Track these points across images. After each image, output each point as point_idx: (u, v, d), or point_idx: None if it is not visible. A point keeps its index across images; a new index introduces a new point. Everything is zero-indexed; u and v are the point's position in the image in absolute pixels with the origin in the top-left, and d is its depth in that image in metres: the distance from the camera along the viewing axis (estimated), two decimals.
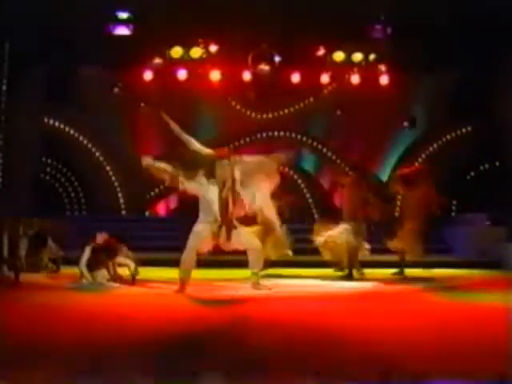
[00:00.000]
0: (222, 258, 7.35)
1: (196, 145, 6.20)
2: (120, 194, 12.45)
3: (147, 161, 6.18)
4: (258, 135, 12.97)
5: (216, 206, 6.06)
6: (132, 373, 2.83)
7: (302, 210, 8.30)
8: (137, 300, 5.60)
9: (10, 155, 10.53)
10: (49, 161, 12.11)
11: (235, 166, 6.11)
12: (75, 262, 6.90)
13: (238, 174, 6.10)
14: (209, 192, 6.08)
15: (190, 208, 12.12)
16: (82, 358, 3.17)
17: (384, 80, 12.00)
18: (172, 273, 6.81)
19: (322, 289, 6.60)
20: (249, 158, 6.33)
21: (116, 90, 11.56)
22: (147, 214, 12.79)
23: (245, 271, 6.59)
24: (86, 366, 2.98)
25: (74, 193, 12.41)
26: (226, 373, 2.85)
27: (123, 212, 12.42)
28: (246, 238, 6.19)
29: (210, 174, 6.11)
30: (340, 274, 7.49)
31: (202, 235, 6.10)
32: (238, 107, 12.73)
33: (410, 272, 7.61)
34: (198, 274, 6.40)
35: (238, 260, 6.77)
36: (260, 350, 3.43)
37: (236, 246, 6.20)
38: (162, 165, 6.15)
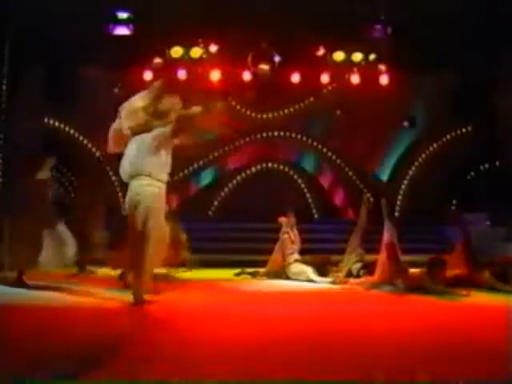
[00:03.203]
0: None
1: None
2: (120, 194, 12.44)
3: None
4: (258, 135, 12.97)
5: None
6: None
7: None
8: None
9: (9, 155, 10.52)
10: None
11: None
12: (75, 262, 6.90)
13: None
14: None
15: (190, 208, 12.15)
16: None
17: (384, 80, 12.00)
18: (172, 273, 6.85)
19: (318, 291, 6.59)
20: None
21: (116, 89, 11.56)
22: None
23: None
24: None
25: (74, 193, 12.40)
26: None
27: (123, 212, 12.40)
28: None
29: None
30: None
31: None
32: (238, 107, 12.74)
33: None
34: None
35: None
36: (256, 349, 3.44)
37: None
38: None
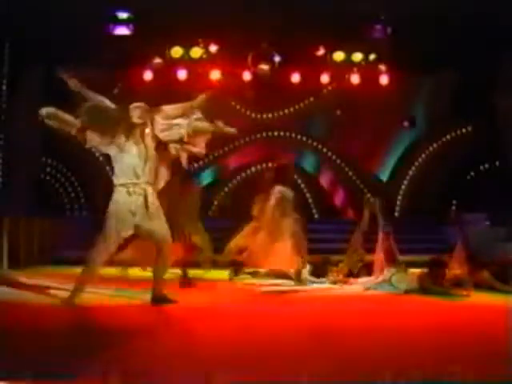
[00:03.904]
0: None
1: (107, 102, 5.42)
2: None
3: (49, 109, 5.51)
4: (258, 135, 12.97)
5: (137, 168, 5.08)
6: None
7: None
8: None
9: (9, 155, 10.52)
10: (49, 161, 12.10)
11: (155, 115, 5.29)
12: (75, 262, 6.88)
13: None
14: (129, 151, 5.10)
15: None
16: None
17: (384, 80, 12.00)
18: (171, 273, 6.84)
19: (318, 291, 6.59)
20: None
21: (116, 90, 11.55)
22: None
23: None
24: None
25: (73, 193, 12.41)
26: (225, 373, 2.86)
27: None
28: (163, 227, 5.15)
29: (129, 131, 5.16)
30: None
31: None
32: (238, 107, 12.73)
33: None
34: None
35: None
36: (259, 349, 3.44)
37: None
38: (67, 116, 5.44)
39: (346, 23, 10.13)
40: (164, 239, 5.11)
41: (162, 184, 5.44)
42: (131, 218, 5.01)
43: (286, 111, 13.00)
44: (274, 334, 3.91)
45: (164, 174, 5.48)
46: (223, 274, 7.56)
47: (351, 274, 7.22)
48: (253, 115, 12.94)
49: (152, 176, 5.18)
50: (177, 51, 11.46)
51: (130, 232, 5.07)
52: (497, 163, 12.06)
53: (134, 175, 5.06)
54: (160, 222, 5.13)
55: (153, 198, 5.12)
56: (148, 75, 11.68)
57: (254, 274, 7.77)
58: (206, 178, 12.96)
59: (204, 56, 11.47)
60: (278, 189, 6.97)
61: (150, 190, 5.10)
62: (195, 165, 12.82)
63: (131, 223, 5.03)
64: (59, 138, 12.42)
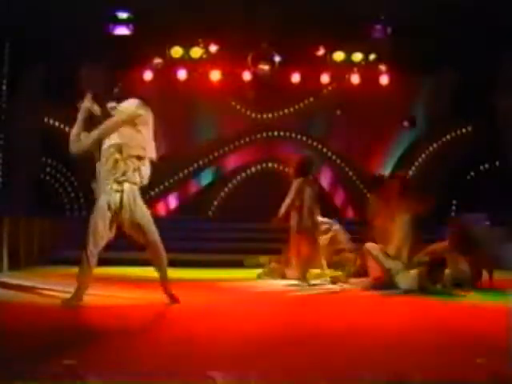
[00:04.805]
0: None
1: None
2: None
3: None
4: (258, 135, 12.97)
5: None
6: None
7: None
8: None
9: (9, 155, 10.52)
10: (49, 161, 12.09)
11: None
12: (75, 262, 6.89)
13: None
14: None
15: (190, 208, 12.11)
16: None
17: (384, 80, 12.02)
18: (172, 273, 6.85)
19: (318, 291, 6.60)
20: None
21: (116, 89, 11.55)
22: None
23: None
24: None
25: (73, 193, 12.40)
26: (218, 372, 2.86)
27: None
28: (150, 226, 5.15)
29: None
30: None
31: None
32: (238, 107, 12.74)
33: None
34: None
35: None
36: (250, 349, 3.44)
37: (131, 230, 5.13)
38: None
39: (346, 23, 10.14)
40: (153, 236, 5.11)
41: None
42: (111, 215, 5.00)
43: (286, 111, 13.01)
44: (273, 334, 3.91)
45: None
46: (221, 273, 7.57)
47: (352, 274, 7.24)
48: (253, 115, 12.94)
49: (133, 173, 5.07)
50: (177, 51, 11.47)
51: (114, 228, 5.06)
52: (497, 163, 12.05)
53: (109, 173, 5.05)
54: (148, 221, 5.11)
55: (132, 196, 5.04)
56: (148, 75, 11.69)
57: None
58: (206, 177, 12.97)
59: (204, 56, 11.48)
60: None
61: (127, 187, 5.03)
62: (195, 165, 12.86)
63: (113, 219, 5.02)
64: (59, 138, 12.47)
